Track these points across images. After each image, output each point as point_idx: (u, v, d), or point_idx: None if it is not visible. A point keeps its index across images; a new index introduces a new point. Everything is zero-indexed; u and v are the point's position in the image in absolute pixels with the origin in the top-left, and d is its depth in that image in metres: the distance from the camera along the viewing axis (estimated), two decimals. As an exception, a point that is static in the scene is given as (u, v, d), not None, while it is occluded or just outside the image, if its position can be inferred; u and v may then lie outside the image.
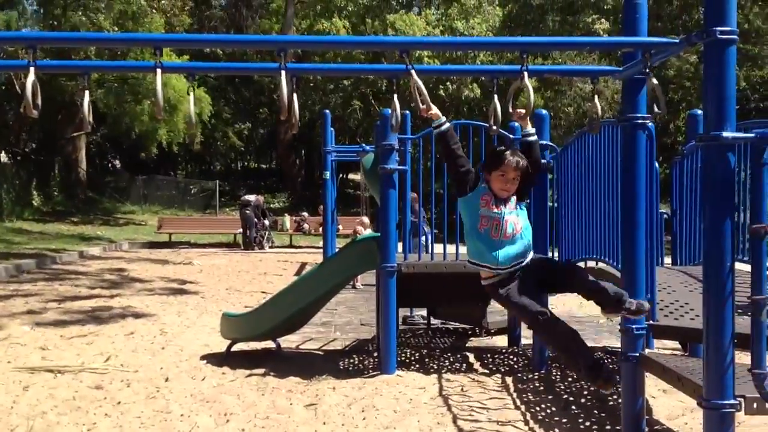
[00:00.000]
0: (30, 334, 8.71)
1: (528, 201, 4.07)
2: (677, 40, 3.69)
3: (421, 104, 3.78)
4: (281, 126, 34.66)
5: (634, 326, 4.29)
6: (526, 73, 3.62)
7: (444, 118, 4.16)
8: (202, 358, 7.57)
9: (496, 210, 3.92)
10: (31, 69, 3.64)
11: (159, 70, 3.69)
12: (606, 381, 3.65)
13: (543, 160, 7.24)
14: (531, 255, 3.97)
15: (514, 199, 3.92)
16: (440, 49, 20.37)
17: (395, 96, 3.99)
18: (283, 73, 3.55)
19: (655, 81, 3.79)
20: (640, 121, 4.29)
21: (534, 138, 4.13)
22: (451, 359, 7.75)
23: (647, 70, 3.87)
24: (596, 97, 4.13)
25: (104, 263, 17.07)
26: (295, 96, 3.72)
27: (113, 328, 9.15)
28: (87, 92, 4.06)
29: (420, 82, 3.70)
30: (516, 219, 3.91)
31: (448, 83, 28.01)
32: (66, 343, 8.20)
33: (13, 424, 5.35)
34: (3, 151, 30.93)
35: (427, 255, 7.60)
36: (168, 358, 7.51)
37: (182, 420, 5.50)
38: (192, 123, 4.05)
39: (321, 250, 15.87)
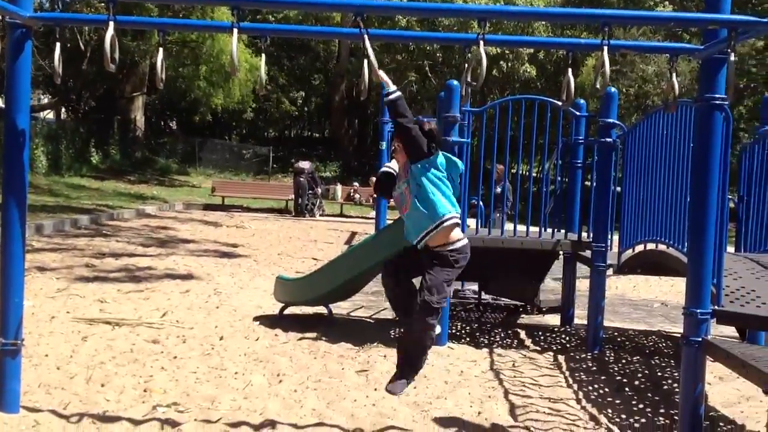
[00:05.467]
0: (88, 286, 8.92)
1: (420, 165, 4.17)
2: (766, 20, 3.57)
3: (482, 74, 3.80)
4: (335, 94, 34.71)
5: (698, 311, 4.20)
6: (606, 47, 3.56)
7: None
8: (255, 319, 7.68)
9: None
10: (111, 24, 3.75)
11: (236, 30, 3.79)
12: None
13: (608, 139, 7.13)
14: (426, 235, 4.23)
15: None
16: (518, 18, 20.89)
17: (467, 66, 3.98)
18: (366, 37, 3.59)
19: (732, 57, 3.70)
20: (718, 102, 4.16)
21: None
22: (502, 335, 7.74)
23: (729, 50, 3.77)
24: (674, 75, 4.05)
25: (159, 222, 17.36)
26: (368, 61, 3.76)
27: (168, 286, 9.32)
28: (161, 49, 4.19)
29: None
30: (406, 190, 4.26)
31: (501, 62, 27.62)
32: (123, 297, 8.37)
33: (72, 372, 5.49)
34: (63, 108, 31.53)
35: (485, 229, 7.56)
36: (222, 318, 7.63)
37: (236, 378, 5.60)
38: (263, 83, 4.21)
39: (372, 221, 15.90)
